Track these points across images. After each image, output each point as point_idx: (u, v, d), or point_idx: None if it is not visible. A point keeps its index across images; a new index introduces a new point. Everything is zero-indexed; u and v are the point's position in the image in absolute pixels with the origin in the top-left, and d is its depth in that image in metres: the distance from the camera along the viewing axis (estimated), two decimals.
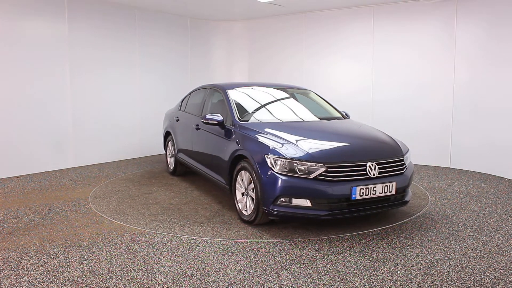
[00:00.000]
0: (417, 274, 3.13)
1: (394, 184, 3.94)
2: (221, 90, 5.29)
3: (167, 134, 6.83)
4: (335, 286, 2.94)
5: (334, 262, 3.34)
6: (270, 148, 3.97)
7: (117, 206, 4.95)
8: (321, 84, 8.24)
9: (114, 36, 7.61)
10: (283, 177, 3.76)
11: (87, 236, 3.89)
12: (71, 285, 2.95)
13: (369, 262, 3.33)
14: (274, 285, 2.96)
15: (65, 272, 3.14)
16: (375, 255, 3.48)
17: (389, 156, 4.11)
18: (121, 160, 7.87)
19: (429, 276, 3.09)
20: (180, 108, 6.49)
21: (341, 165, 3.80)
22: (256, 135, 4.27)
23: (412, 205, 4.91)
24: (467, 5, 6.74)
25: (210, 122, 4.82)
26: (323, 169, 3.73)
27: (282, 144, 4.01)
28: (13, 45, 6.25)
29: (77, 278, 3.05)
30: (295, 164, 3.77)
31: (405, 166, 4.18)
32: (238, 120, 4.67)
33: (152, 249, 3.59)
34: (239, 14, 8.93)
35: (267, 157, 3.89)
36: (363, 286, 2.95)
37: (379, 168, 3.93)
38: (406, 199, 4.19)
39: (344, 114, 5.43)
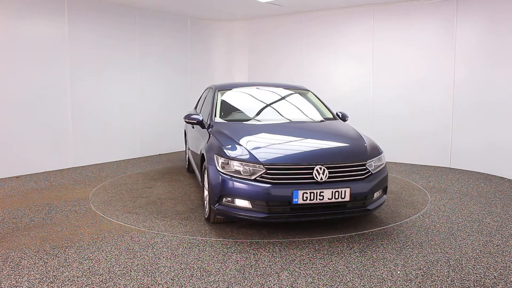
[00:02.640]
0: (417, 274, 3.13)
1: (348, 190, 3.70)
2: (214, 90, 5.43)
3: (185, 132, 7.16)
4: (335, 286, 2.94)
5: (334, 262, 3.34)
6: (219, 148, 4.02)
7: (111, 197, 5.12)
8: (321, 83, 8.25)
9: (114, 36, 7.61)
10: (226, 177, 3.78)
11: (87, 236, 3.89)
12: (71, 285, 2.95)
13: (369, 262, 3.33)
14: (274, 285, 2.96)
15: (65, 272, 3.14)
16: (375, 255, 3.48)
17: (345, 160, 3.87)
18: (121, 160, 7.87)
19: (429, 276, 3.09)
20: (195, 107, 6.74)
21: (281, 167, 3.71)
22: (217, 135, 4.34)
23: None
24: (467, 5, 6.74)
25: (191, 121, 4.96)
26: (263, 171, 3.70)
27: (232, 144, 4.03)
28: (13, 45, 6.24)
29: (77, 278, 3.05)
30: (239, 164, 3.78)
31: (368, 171, 3.91)
32: (213, 120, 4.79)
33: (152, 249, 3.59)
34: (239, 14, 8.93)
35: (215, 156, 3.96)
36: (363, 286, 2.95)
37: (330, 173, 3.73)
38: (369, 207, 3.91)
39: (340, 115, 5.28)
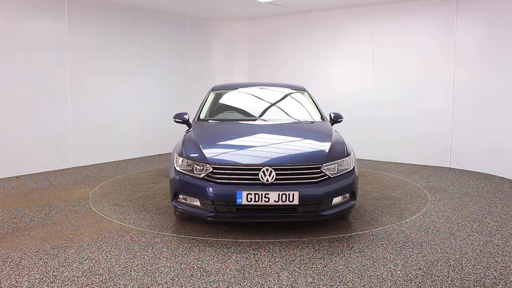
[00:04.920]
0: (417, 274, 3.13)
1: (296, 193, 3.59)
2: (209, 91, 5.52)
3: None
4: (335, 286, 2.94)
5: (334, 262, 3.34)
6: (179, 146, 4.16)
7: (113, 189, 5.25)
8: (321, 84, 8.25)
9: (114, 36, 7.62)
10: (180, 175, 3.90)
11: (87, 236, 3.89)
12: (71, 285, 2.95)
13: (369, 262, 3.33)
14: (274, 285, 2.96)
15: (65, 272, 3.14)
16: (375, 255, 3.48)
17: (295, 162, 3.76)
18: (121, 160, 7.87)
19: (429, 276, 3.09)
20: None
21: (227, 167, 3.72)
22: (186, 134, 4.47)
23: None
24: (467, 5, 6.74)
25: (179, 120, 5.01)
26: (210, 170, 3.74)
27: (191, 143, 4.11)
28: (13, 45, 6.25)
29: (77, 278, 3.05)
30: (191, 163, 3.87)
31: (324, 175, 3.75)
32: (194, 120, 4.96)
33: (152, 249, 3.59)
34: (239, 14, 8.93)
35: (174, 154, 4.11)
36: (363, 286, 2.95)
37: (278, 175, 3.64)
38: (325, 213, 3.75)
39: (333, 116, 5.04)
